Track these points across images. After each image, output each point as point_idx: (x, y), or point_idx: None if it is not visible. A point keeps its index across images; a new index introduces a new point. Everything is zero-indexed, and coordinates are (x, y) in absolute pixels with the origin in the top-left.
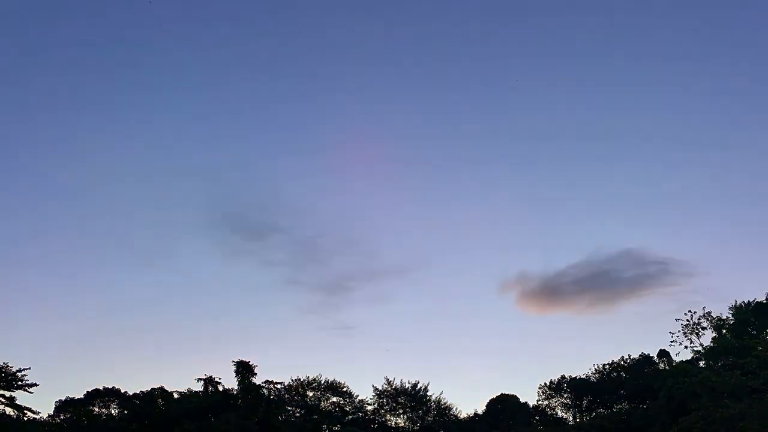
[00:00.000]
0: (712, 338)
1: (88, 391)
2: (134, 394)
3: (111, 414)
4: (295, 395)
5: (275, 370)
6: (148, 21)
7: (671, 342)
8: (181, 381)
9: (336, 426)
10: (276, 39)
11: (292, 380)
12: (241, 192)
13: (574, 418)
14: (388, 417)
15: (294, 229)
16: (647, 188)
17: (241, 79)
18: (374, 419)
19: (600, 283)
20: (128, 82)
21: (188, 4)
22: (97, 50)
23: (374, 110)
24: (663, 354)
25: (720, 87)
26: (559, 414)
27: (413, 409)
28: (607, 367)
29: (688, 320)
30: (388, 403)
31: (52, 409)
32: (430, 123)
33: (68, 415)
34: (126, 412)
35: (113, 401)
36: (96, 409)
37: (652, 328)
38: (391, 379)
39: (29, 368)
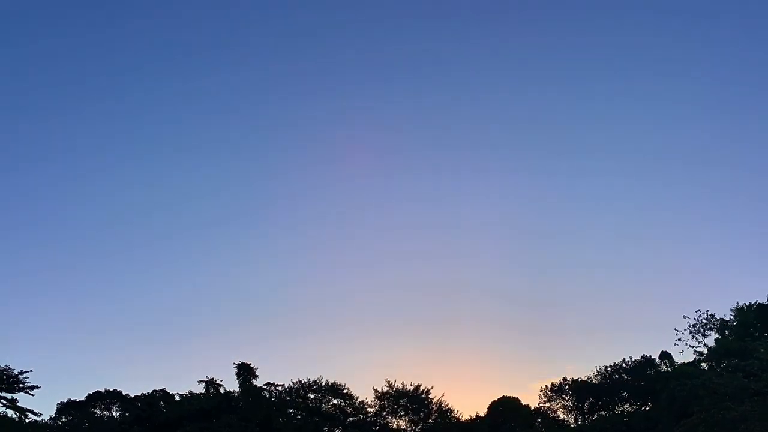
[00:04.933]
0: (715, 340)
1: (89, 394)
2: (135, 396)
3: (112, 416)
4: (296, 397)
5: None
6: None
7: (677, 341)
8: (182, 383)
9: (337, 428)
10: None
11: (293, 382)
12: None
13: (576, 420)
14: (389, 419)
15: None
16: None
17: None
18: (375, 421)
19: None
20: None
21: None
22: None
23: None
24: (665, 356)
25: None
26: (561, 416)
27: (414, 411)
28: (609, 369)
29: (696, 320)
30: (389, 405)
31: (54, 412)
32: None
33: (70, 418)
34: (127, 414)
35: (114, 403)
36: (97, 411)
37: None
38: (392, 381)
39: (31, 370)
